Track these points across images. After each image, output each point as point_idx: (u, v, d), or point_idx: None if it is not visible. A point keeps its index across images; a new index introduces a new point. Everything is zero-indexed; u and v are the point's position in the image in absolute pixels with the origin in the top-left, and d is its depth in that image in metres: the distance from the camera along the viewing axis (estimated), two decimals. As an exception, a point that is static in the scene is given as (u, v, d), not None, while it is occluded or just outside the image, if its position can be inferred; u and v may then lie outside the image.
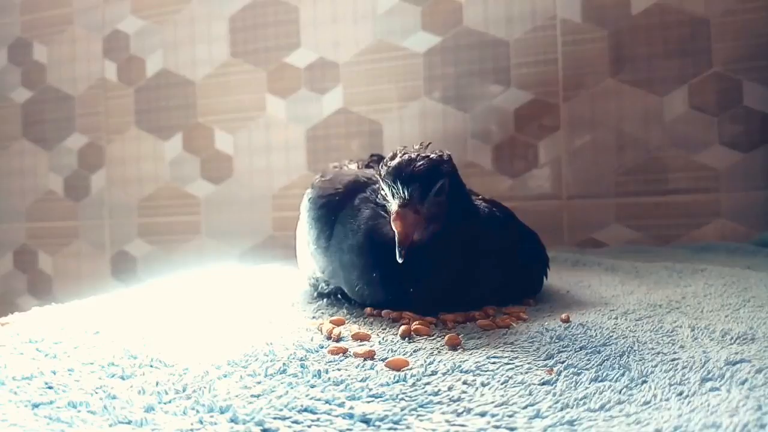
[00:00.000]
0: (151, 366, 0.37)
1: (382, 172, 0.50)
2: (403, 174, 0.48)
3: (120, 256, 1.36)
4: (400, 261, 0.46)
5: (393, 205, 0.48)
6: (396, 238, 0.47)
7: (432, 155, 0.50)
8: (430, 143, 0.53)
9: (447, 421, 0.29)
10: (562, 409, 0.30)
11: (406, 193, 0.48)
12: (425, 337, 0.44)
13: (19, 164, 1.44)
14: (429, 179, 0.48)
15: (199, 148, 1.29)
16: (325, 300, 0.59)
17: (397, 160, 0.49)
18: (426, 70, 1.14)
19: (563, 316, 0.48)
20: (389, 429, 0.28)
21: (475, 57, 1.12)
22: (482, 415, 0.29)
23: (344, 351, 0.40)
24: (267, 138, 1.25)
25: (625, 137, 1.05)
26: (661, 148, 1.03)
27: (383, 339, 0.44)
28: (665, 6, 1.02)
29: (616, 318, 0.48)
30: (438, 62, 1.14)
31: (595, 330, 0.43)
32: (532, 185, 1.09)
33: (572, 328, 0.44)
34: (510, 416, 0.29)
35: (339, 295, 0.59)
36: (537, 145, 1.09)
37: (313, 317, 0.53)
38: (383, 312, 0.51)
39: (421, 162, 0.49)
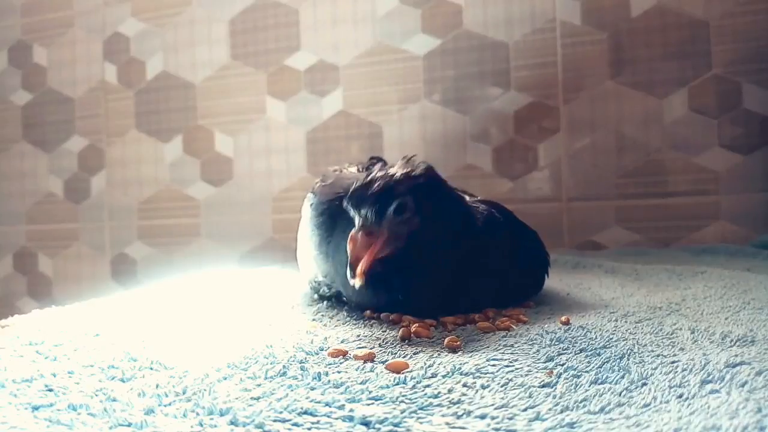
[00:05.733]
0: (151, 368, 0.37)
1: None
2: (355, 198, 0.49)
3: (120, 259, 1.36)
4: (351, 283, 0.47)
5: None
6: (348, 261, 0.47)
7: (397, 173, 0.50)
8: (413, 156, 0.54)
9: (447, 423, 0.29)
10: (562, 412, 0.30)
11: (359, 217, 0.49)
12: (425, 339, 0.44)
13: (19, 166, 1.45)
14: (383, 201, 0.48)
15: (199, 150, 1.30)
16: (325, 303, 0.59)
17: (356, 184, 0.50)
18: (426, 73, 1.15)
19: (563, 318, 0.48)
20: (389, 431, 0.28)
21: (475, 59, 1.12)
22: (482, 417, 0.29)
23: (344, 353, 0.40)
24: (267, 140, 1.25)
25: (624, 139, 1.05)
26: (660, 150, 1.03)
27: (383, 341, 0.44)
28: (665, 8, 1.03)
29: (616, 320, 0.48)
30: (438, 65, 1.14)
31: (595, 332, 0.43)
32: (532, 187, 1.09)
33: (572, 331, 0.44)
34: (510, 419, 0.29)
35: (340, 299, 0.59)
36: (537, 147, 1.09)
37: (313, 320, 0.53)
38: (382, 315, 0.51)
39: (377, 184, 0.49)
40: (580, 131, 1.07)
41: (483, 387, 0.33)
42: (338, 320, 0.52)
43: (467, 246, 0.52)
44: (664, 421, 0.28)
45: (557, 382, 0.34)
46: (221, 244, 1.28)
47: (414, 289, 0.50)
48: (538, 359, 0.38)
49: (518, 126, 1.10)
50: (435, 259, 0.50)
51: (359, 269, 0.46)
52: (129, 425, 0.29)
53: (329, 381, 0.34)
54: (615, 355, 0.38)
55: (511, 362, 0.37)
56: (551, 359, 0.38)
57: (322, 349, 0.41)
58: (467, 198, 0.59)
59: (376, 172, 0.51)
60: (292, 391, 0.33)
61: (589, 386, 0.33)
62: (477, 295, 0.53)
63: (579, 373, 0.35)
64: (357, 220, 0.49)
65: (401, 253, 0.49)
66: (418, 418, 0.30)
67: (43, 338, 0.44)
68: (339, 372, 0.36)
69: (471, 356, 0.39)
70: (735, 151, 1.00)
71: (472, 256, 0.52)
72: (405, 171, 0.51)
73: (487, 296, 0.53)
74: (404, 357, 0.40)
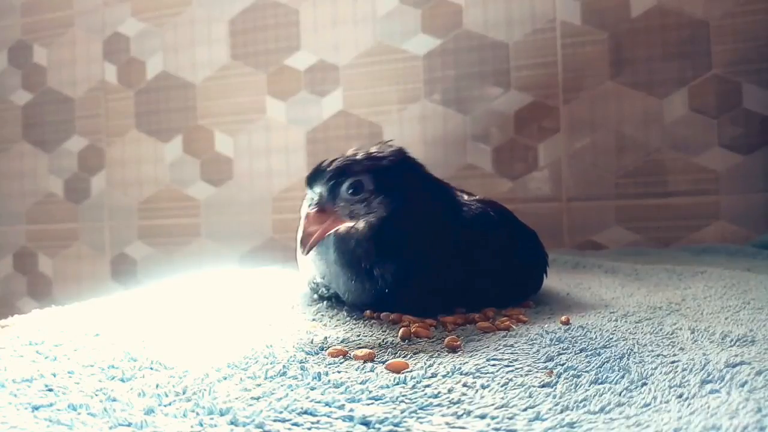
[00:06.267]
0: (151, 368, 0.37)
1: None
2: (311, 177, 0.50)
3: (120, 259, 1.36)
4: (304, 256, 0.50)
5: None
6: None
7: (358, 154, 0.51)
8: (389, 141, 0.54)
9: (447, 423, 0.29)
10: (562, 412, 0.30)
11: (313, 195, 0.50)
12: (425, 339, 0.44)
13: (19, 166, 1.45)
14: (336, 179, 0.49)
15: (199, 150, 1.30)
16: (324, 303, 0.59)
17: (317, 165, 0.51)
18: (426, 73, 1.15)
19: (563, 318, 0.48)
20: (389, 431, 0.28)
21: (475, 59, 1.12)
22: (482, 417, 0.29)
23: (344, 353, 0.40)
24: (267, 140, 1.25)
25: (624, 139, 1.05)
26: (660, 150, 1.03)
27: (383, 341, 0.44)
28: (665, 8, 1.03)
29: (616, 320, 0.48)
30: (438, 65, 1.14)
31: (595, 332, 0.43)
32: (532, 187, 1.09)
33: (572, 331, 0.44)
34: (510, 418, 0.29)
35: (340, 299, 0.59)
36: (537, 147, 1.09)
37: (313, 320, 0.53)
38: (382, 315, 0.51)
39: (332, 163, 0.50)
40: (580, 131, 1.07)
41: (483, 387, 0.33)
42: (338, 320, 0.52)
43: (455, 239, 0.52)
44: (664, 420, 0.28)
45: (557, 382, 0.34)
46: (221, 244, 1.28)
47: (397, 280, 0.50)
48: (538, 359, 0.38)
49: (518, 126, 1.10)
50: (417, 247, 0.50)
51: (308, 244, 0.48)
52: (129, 425, 0.29)
53: (329, 381, 0.34)
54: (615, 355, 0.38)
55: (511, 362, 0.37)
56: (551, 359, 0.38)
57: (322, 349, 0.41)
58: (466, 197, 0.59)
59: (350, 154, 0.52)
60: (292, 391, 0.33)
61: (589, 386, 0.33)
62: (469, 292, 0.53)
63: (579, 373, 0.35)
64: (312, 198, 0.50)
65: (376, 236, 0.50)
66: (418, 418, 0.30)
67: (43, 338, 0.44)
68: (339, 372, 0.36)
69: (471, 356, 0.39)
70: (735, 151, 1.00)
71: (462, 250, 0.52)
72: (368, 152, 0.51)
73: (481, 294, 0.53)
74: (404, 357, 0.40)
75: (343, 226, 0.50)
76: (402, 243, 0.50)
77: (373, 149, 0.52)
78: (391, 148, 0.52)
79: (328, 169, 0.49)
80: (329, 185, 0.49)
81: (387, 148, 0.52)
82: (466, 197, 0.58)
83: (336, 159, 0.50)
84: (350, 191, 0.49)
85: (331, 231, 0.50)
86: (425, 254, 0.51)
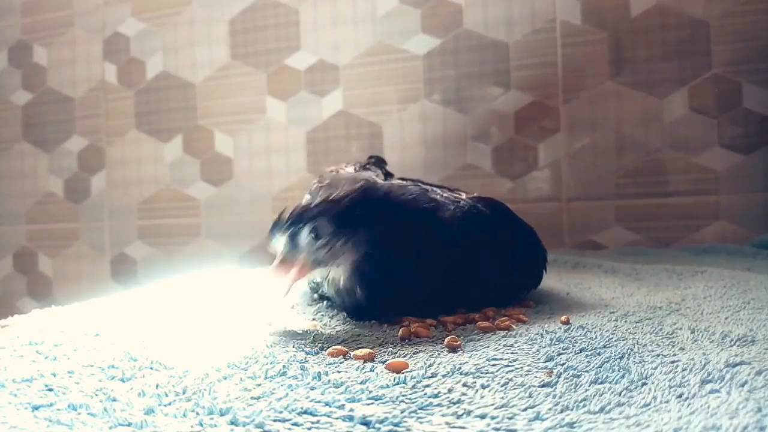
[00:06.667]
0: (151, 368, 0.37)
1: None
2: (271, 230, 0.50)
3: (120, 259, 1.36)
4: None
5: None
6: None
7: (317, 200, 0.50)
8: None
9: (447, 423, 0.29)
10: (562, 411, 0.30)
11: (278, 247, 0.50)
12: (425, 339, 0.44)
13: (19, 166, 1.45)
14: (292, 229, 0.49)
15: (199, 150, 1.30)
16: (324, 302, 0.59)
17: (277, 216, 0.51)
18: (426, 73, 1.15)
19: (563, 318, 0.48)
20: (389, 431, 0.28)
21: (475, 59, 1.12)
22: (482, 417, 0.29)
23: (344, 353, 0.40)
24: (267, 140, 1.25)
25: (624, 139, 1.05)
26: (660, 150, 1.03)
27: (383, 341, 0.44)
28: (664, 8, 1.03)
29: (616, 320, 0.48)
30: (438, 64, 1.14)
31: (595, 332, 0.43)
32: (532, 187, 1.09)
33: (572, 330, 0.44)
34: (510, 418, 0.29)
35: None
36: (537, 147, 1.09)
37: (313, 320, 0.53)
38: (383, 315, 0.51)
39: (290, 214, 0.49)
40: (580, 131, 1.07)
41: (483, 387, 0.33)
42: (338, 320, 0.52)
43: (441, 256, 0.52)
44: (664, 420, 0.28)
45: (557, 381, 0.34)
46: (221, 244, 1.28)
47: (373, 298, 0.50)
48: (538, 359, 0.38)
49: (518, 126, 1.10)
50: (400, 281, 0.50)
51: (281, 294, 0.48)
52: (129, 425, 0.29)
53: (329, 381, 0.34)
54: (615, 355, 0.38)
55: (511, 362, 0.37)
56: (551, 359, 0.38)
57: (322, 349, 0.41)
58: (464, 195, 0.58)
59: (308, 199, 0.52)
60: (292, 390, 0.33)
61: (589, 386, 0.33)
62: (468, 294, 0.53)
63: (579, 373, 0.35)
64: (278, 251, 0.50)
65: (358, 281, 0.50)
66: (418, 417, 0.30)
67: (43, 338, 0.44)
68: (339, 372, 0.36)
69: (471, 356, 0.39)
70: (735, 151, 1.00)
71: (455, 260, 0.52)
72: (327, 196, 0.50)
73: (480, 293, 0.53)
74: (404, 357, 0.40)
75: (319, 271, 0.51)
76: (383, 281, 0.50)
77: (340, 189, 0.52)
78: (357, 184, 0.52)
79: (286, 218, 0.49)
80: (288, 235, 0.49)
81: (353, 185, 0.52)
82: (464, 195, 0.58)
83: (296, 207, 0.50)
84: (309, 238, 0.48)
85: (300, 279, 0.50)
86: (410, 285, 0.50)
